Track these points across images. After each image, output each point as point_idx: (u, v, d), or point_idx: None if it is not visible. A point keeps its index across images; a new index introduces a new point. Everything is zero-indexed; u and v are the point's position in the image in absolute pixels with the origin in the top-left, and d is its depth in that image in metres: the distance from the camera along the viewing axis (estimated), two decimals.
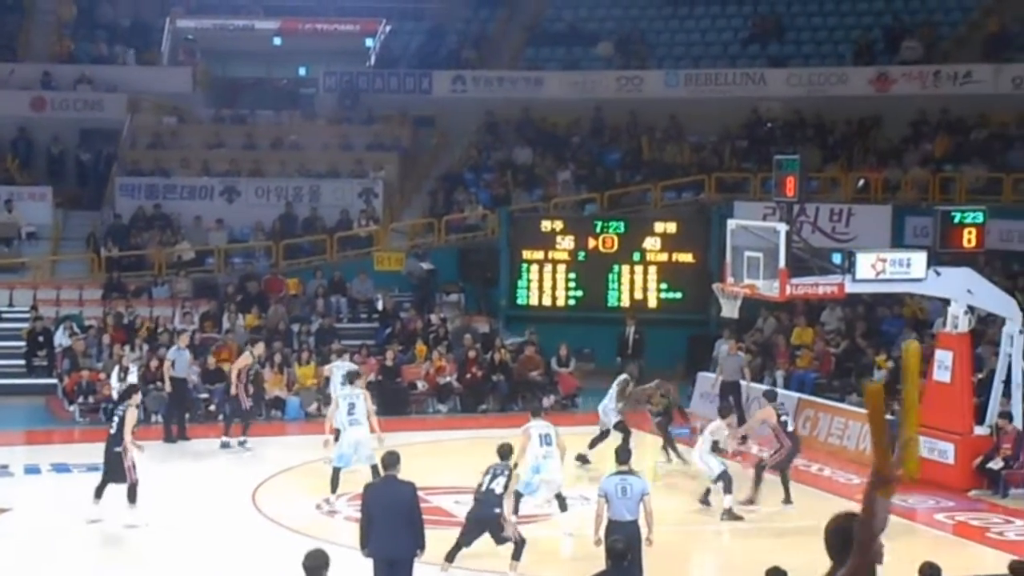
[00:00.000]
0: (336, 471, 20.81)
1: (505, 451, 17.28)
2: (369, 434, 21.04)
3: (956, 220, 21.85)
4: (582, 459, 23.15)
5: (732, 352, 26.58)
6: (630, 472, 15.64)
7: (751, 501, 20.72)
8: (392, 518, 14.18)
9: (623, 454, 15.96)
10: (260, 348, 26.12)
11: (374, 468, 19.81)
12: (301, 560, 11.24)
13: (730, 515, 20.21)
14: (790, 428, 21.40)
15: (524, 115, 39.37)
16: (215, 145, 38.80)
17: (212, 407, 27.89)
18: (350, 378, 22.09)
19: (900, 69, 37.30)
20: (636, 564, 14.85)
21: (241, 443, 24.79)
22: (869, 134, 36.43)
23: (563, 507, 19.50)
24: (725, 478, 20.34)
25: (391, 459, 14.52)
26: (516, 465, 19.00)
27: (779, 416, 21.19)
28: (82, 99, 39.00)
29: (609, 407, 23.44)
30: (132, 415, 19.65)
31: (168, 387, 26.12)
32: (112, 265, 34.04)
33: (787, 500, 20.90)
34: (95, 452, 24.31)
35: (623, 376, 23.74)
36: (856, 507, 6.76)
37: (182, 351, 26.64)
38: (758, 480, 20.91)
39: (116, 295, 32.63)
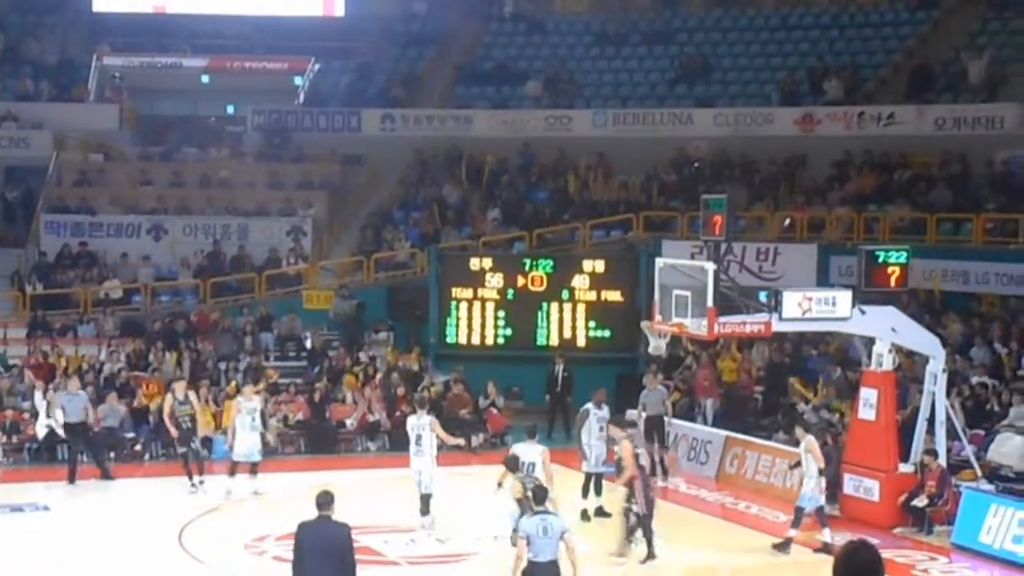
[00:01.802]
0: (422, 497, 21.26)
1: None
2: (431, 465, 21.10)
3: (880, 259, 22.10)
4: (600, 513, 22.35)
5: (652, 387, 26.60)
6: (549, 512, 15.63)
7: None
8: (324, 559, 14.02)
9: (540, 493, 15.91)
10: (181, 387, 25.45)
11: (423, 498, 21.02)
12: None
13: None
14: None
15: (453, 153, 39.47)
16: (142, 183, 38.61)
17: (138, 447, 27.65)
18: (420, 404, 22.13)
19: (825, 110, 37.78)
20: None
21: (195, 484, 24.40)
22: (795, 174, 36.83)
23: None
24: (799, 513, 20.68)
25: (325, 499, 14.27)
26: (500, 485, 18.80)
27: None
28: (7, 136, 38.70)
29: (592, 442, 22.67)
30: None
31: (62, 433, 25.82)
32: (37, 303, 33.72)
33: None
34: (19, 492, 24.10)
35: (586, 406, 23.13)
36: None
37: (75, 396, 26.09)
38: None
39: (41, 333, 32.31)
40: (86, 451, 25.91)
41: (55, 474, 25.87)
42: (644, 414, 26.14)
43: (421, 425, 21.47)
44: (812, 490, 20.57)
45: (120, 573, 19.21)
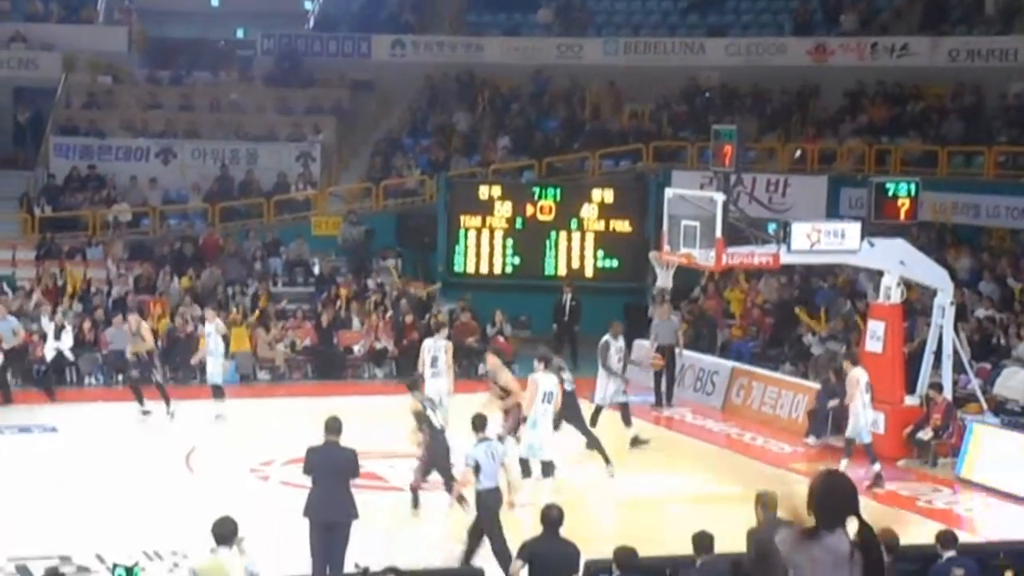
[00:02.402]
0: None
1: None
2: (448, 386, 21.74)
3: (890, 192, 22.02)
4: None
5: (664, 317, 26.62)
6: (489, 437, 15.72)
7: None
8: (332, 482, 14.23)
9: (479, 420, 15.92)
10: (134, 320, 25.46)
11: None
12: (211, 528, 11.45)
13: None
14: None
15: (464, 80, 39.26)
16: (151, 106, 38.43)
17: None
18: (437, 328, 23.24)
19: (838, 40, 37.47)
20: (499, 528, 15.12)
21: (146, 410, 24.62)
22: (807, 105, 36.61)
23: (548, 471, 18.69)
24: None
25: (334, 424, 14.53)
26: (525, 419, 18.77)
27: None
28: (16, 57, 38.49)
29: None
30: None
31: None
32: (46, 225, 33.70)
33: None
34: (27, 414, 24.22)
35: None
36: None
37: (2, 320, 26.02)
38: None
39: (49, 256, 32.31)
40: (21, 376, 26.01)
41: (63, 396, 26.00)
42: (656, 344, 26.23)
43: (438, 347, 22.09)
44: (866, 422, 20.68)
45: (127, 494, 19.30)
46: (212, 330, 24.64)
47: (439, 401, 21.36)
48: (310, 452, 14.61)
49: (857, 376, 20.83)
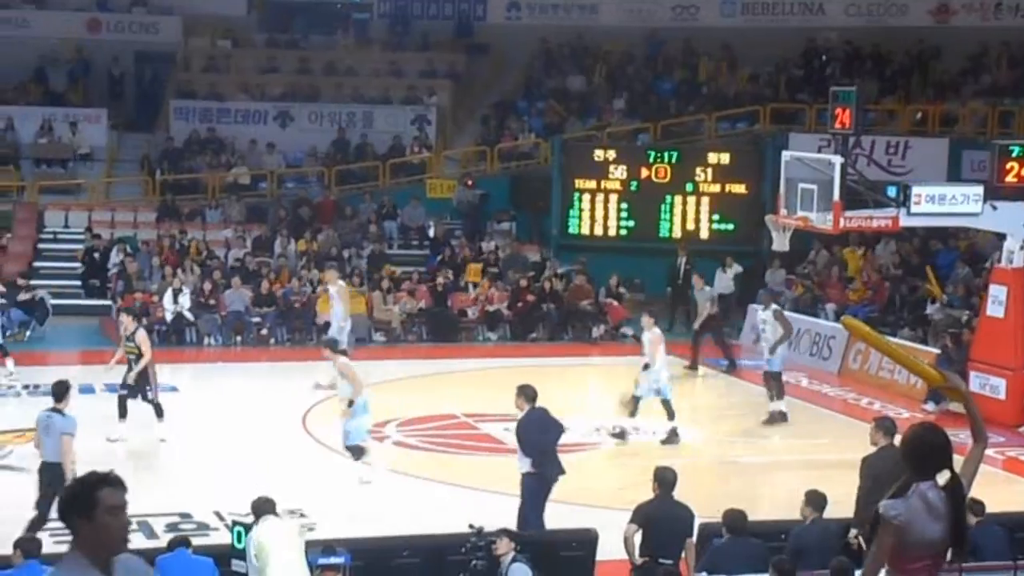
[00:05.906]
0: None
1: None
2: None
3: (1014, 154, 21.60)
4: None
5: (699, 287, 26.30)
6: (58, 410, 15.29)
7: None
8: (550, 443, 15.25)
9: (59, 388, 15.46)
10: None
11: None
12: (251, 506, 12.22)
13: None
14: None
15: (579, 43, 39.14)
16: (268, 69, 38.81)
17: (264, 331, 28.07)
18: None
19: (961, 0, 36.79)
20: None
21: None
22: (928, 66, 36.00)
23: (358, 455, 18.20)
24: None
25: (532, 391, 15.41)
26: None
27: None
28: (137, 21, 39.10)
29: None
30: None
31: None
32: (166, 188, 34.21)
33: None
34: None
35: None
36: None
37: None
38: None
39: (170, 218, 32.82)
40: None
41: (183, 356, 26.40)
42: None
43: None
44: (665, 380, 20.43)
45: (245, 454, 19.58)
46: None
47: None
48: (529, 416, 15.32)
49: (660, 335, 20.62)
